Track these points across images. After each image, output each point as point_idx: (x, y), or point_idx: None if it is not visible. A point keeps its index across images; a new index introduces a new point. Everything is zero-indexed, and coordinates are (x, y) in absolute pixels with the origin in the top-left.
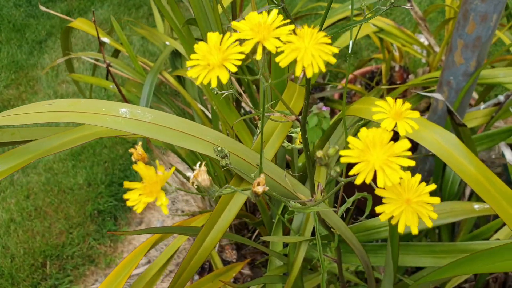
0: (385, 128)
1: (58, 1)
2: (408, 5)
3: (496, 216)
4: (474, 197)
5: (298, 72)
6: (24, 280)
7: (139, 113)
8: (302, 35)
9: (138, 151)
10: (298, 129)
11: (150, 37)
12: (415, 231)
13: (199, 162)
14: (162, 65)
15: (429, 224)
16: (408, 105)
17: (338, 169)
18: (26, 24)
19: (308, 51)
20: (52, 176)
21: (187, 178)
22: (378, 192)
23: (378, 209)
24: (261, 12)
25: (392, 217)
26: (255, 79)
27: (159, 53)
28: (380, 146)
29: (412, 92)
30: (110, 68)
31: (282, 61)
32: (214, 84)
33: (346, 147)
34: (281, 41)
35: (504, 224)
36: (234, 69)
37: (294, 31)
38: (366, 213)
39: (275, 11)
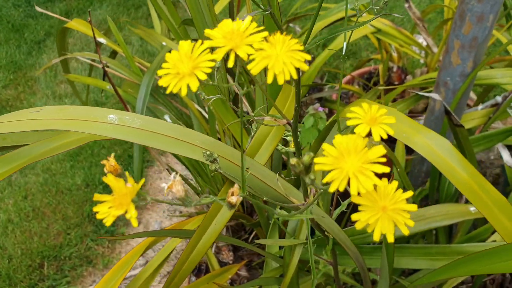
0: (359, 134)
1: (57, 1)
2: (406, 5)
3: None
4: None
5: (270, 80)
6: (22, 281)
7: (127, 119)
8: (274, 43)
9: (110, 162)
10: None
11: (147, 37)
12: (390, 239)
13: (174, 173)
14: (159, 66)
15: (406, 232)
16: (383, 110)
17: (312, 177)
18: (25, 24)
19: (280, 58)
20: (50, 177)
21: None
22: (353, 199)
23: (353, 217)
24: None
25: (368, 225)
26: (251, 80)
27: (158, 54)
28: (355, 152)
29: (410, 92)
30: (107, 68)
31: (253, 68)
32: (183, 93)
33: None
34: (254, 48)
35: None
36: (204, 77)
37: (266, 38)
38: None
39: (249, 18)
